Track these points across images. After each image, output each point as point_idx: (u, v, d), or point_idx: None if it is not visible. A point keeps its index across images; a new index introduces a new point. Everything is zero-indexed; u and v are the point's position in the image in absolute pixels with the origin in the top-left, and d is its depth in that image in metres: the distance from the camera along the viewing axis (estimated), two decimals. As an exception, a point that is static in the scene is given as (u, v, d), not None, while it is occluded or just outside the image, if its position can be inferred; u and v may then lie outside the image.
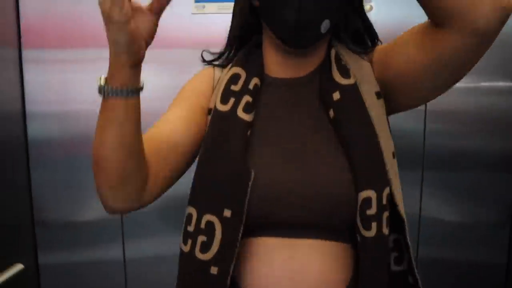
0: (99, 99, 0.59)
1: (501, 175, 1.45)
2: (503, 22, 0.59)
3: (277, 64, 0.78)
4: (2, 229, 1.31)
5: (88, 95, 1.34)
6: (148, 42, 0.58)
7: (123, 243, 1.46)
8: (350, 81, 0.74)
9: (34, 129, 1.40)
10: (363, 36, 0.80)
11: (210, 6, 1.33)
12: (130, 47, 0.54)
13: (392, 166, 0.72)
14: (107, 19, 0.52)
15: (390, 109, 0.77)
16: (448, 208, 1.48)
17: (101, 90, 0.58)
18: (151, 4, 0.57)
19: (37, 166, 1.41)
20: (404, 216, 0.74)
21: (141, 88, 0.60)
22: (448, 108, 1.42)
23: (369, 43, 0.80)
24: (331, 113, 0.73)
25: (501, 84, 1.42)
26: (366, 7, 1.32)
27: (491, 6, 0.58)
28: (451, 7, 0.59)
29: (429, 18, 0.65)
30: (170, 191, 0.75)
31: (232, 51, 0.82)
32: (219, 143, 0.72)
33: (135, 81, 0.58)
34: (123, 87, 0.57)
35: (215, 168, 0.71)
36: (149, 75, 0.67)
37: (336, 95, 0.73)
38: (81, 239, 1.45)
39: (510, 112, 1.42)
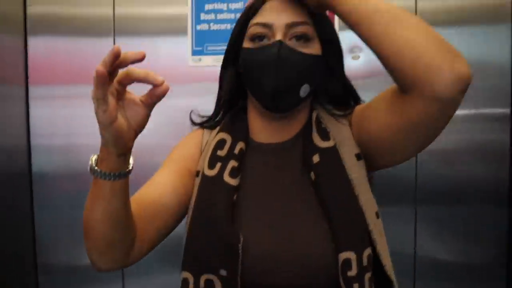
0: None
1: (495, 208, 1.43)
2: (462, 91, 0.60)
3: (261, 129, 0.81)
4: (5, 272, 1.34)
5: (90, 129, 1.40)
6: (137, 132, 0.60)
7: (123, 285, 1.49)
8: (330, 143, 0.76)
9: (38, 162, 1.43)
10: (344, 98, 0.81)
11: (206, 59, 1.42)
12: (116, 142, 0.57)
13: (376, 226, 0.73)
14: (96, 117, 0.55)
15: (370, 167, 0.77)
16: (443, 246, 1.47)
17: (91, 169, 0.61)
18: (145, 97, 0.59)
19: (41, 201, 1.44)
20: (392, 277, 0.73)
21: (129, 171, 0.62)
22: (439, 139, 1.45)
23: (352, 103, 0.81)
24: (312, 175, 0.74)
25: (495, 111, 1.42)
26: (354, 56, 1.39)
27: (449, 75, 0.59)
28: (411, 74, 0.61)
29: (395, 82, 0.66)
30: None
31: (220, 114, 0.84)
32: (206, 207, 0.74)
33: (122, 166, 0.61)
34: (110, 171, 0.60)
35: (205, 232, 0.72)
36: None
37: (316, 158, 0.75)
38: (82, 281, 1.46)
39: (504, 141, 1.41)
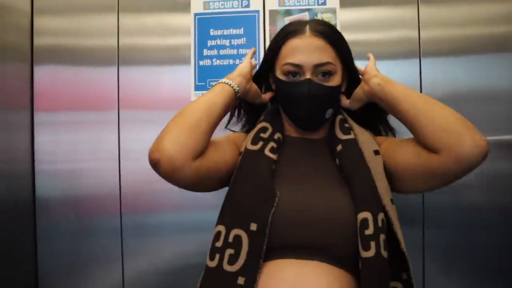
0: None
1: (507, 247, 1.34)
2: (480, 155, 0.76)
3: (294, 130, 1.00)
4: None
5: (94, 154, 1.43)
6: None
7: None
8: (350, 136, 0.93)
9: (42, 187, 1.45)
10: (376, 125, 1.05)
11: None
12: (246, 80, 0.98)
13: (391, 209, 0.85)
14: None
15: (392, 188, 0.91)
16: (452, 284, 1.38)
17: (226, 81, 0.93)
18: None
19: (44, 225, 1.44)
20: (406, 252, 0.83)
21: (239, 95, 0.95)
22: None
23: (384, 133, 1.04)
24: (337, 161, 0.91)
25: (503, 138, 1.38)
26: None
27: (471, 143, 0.75)
28: (442, 141, 0.78)
29: (424, 147, 0.83)
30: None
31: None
32: (249, 171, 0.87)
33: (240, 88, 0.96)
34: (238, 86, 0.94)
35: (245, 190, 0.84)
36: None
37: (339, 147, 0.92)
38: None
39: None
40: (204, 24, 1.41)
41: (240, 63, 1.25)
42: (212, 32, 1.40)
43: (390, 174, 0.89)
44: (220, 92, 0.91)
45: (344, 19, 1.36)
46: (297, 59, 0.90)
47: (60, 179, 1.44)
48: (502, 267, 1.34)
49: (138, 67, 1.42)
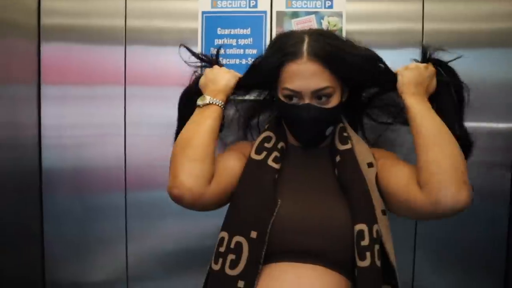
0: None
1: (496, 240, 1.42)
2: (456, 211, 0.80)
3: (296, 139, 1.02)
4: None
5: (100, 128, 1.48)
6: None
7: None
8: (347, 146, 0.96)
9: (49, 160, 1.48)
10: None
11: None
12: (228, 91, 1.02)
13: (381, 221, 0.89)
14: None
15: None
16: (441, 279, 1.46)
17: (207, 101, 0.98)
18: None
19: (50, 196, 1.48)
20: (394, 264, 0.89)
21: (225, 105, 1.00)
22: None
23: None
24: (336, 171, 0.95)
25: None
26: None
27: (451, 197, 0.78)
28: (429, 178, 0.82)
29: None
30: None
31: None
32: (252, 181, 0.92)
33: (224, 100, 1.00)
34: (221, 100, 0.99)
35: (248, 200, 0.90)
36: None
37: (338, 158, 0.96)
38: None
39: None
40: (212, 22, 1.41)
41: (246, 63, 1.28)
42: (220, 31, 1.41)
43: (380, 191, 0.93)
44: (213, 115, 0.96)
45: (351, 10, 1.40)
46: (295, 85, 0.92)
47: (67, 152, 1.48)
48: (493, 260, 1.43)
49: (144, 47, 1.46)
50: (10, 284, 1.40)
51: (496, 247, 1.42)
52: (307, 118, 0.91)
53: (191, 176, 0.86)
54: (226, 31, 1.40)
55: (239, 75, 1.04)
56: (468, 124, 1.34)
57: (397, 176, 0.91)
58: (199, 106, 0.98)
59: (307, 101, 0.92)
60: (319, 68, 0.90)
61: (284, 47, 0.94)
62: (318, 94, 0.92)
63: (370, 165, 0.94)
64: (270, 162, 0.94)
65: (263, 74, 0.99)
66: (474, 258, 1.44)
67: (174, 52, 1.42)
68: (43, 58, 1.46)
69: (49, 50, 1.46)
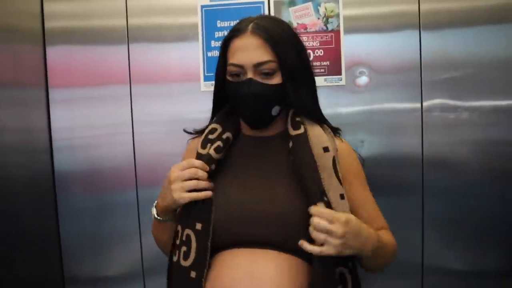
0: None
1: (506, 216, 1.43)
2: None
3: (249, 128, 0.98)
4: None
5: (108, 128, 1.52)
6: None
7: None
8: (300, 131, 0.93)
9: (60, 162, 1.53)
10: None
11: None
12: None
13: (339, 205, 0.87)
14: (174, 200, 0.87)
15: None
16: (452, 255, 1.47)
17: (159, 219, 0.95)
18: None
19: (64, 198, 1.53)
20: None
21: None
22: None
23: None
24: (291, 157, 0.93)
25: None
26: (361, 72, 1.45)
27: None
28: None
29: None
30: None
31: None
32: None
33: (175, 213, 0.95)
34: (173, 218, 0.95)
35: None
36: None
37: (290, 144, 0.93)
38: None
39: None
40: (211, 15, 1.44)
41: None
42: (219, 24, 1.44)
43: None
44: (170, 228, 0.96)
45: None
46: (237, 59, 0.90)
47: (77, 153, 1.52)
48: (504, 237, 1.44)
49: (147, 45, 1.49)
50: (32, 280, 1.44)
51: (506, 224, 1.44)
52: (249, 93, 0.89)
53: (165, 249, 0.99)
54: (226, 23, 1.43)
55: (187, 196, 0.88)
56: (470, 103, 1.42)
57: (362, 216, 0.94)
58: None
59: (250, 76, 0.90)
60: (261, 42, 0.89)
61: (233, 28, 0.94)
62: (260, 69, 0.90)
63: (326, 149, 0.92)
64: (211, 151, 0.93)
65: (218, 67, 0.97)
66: (484, 236, 1.45)
67: (175, 48, 1.48)
68: (49, 62, 1.50)
69: (54, 53, 1.51)
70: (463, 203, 1.45)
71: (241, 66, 0.90)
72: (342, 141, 1.01)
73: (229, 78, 0.93)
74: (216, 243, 0.88)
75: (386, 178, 1.45)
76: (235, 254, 0.87)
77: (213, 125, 0.99)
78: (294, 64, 0.92)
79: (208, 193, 0.87)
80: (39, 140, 1.50)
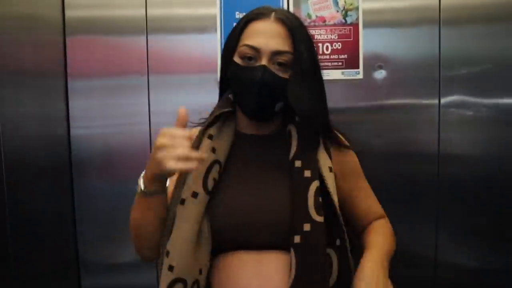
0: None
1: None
2: None
3: (247, 124, 0.96)
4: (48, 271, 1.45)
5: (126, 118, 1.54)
6: None
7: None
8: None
9: (78, 151, 1.54)
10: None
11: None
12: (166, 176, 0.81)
13: (329, 178, 0.90)
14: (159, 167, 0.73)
15: None
16: (465, 252, 1.47)
17: (144, 191, 0.82)
18: None
19: (81, 186, 1.55)
20: (337, 205, 0.90)
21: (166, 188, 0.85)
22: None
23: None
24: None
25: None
26: (379, 65, 1.44)
27: None
28: None
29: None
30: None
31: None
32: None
33: (165, 185, 0.84)
34: (162, 189, 0.84)
35: None
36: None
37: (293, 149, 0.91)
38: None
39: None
40: (230, 7, 1.44)
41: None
42: (238, 15, 1.44)
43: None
44: (156, 206, 0.85)
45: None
46: (255, 41, 0.85)
47: (95, 143, 1.54)
48: None
49: (165, 35, 1.50)
50: (47, 265, 1.48)
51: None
52: (260, 80, 0.84)
53: (148, 250, 0.91)
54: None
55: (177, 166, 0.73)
56: (488, 100, 1.40)
57: (353, 201, 1.01)
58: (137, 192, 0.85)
59: (264, 62, 0.85)
60: (284, 31, 0.86)
61: (251, 13, 0.90)
62: (277, 58, 0.85)
63: (330, 169, 0.93)
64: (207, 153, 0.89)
65: (228, 44, 0.91)
66: (499, 233, 1.44)
67: (194, 39, 1.48)
68: (68, 51, 1.52)
69: (74, 43, 1.52)
70: (478, 201, 1.44)
71: (257, 50, 0.85)
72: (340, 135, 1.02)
73: (237, 60, 0.88)
74: (218, 248, 0.87)
75: (402, 173, 1.45)
76: (240, 256, 0.86)
77: (211, 131, 0.92)
78: (307, 63, 0.88)
79: (194, 164, 0.72)
80: (58, 128, 1.52)
